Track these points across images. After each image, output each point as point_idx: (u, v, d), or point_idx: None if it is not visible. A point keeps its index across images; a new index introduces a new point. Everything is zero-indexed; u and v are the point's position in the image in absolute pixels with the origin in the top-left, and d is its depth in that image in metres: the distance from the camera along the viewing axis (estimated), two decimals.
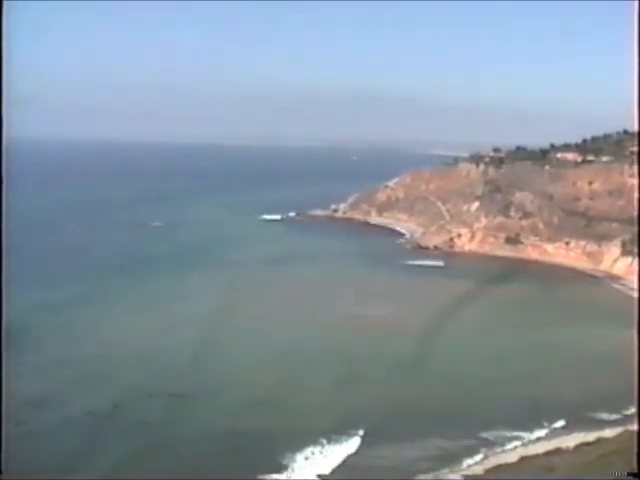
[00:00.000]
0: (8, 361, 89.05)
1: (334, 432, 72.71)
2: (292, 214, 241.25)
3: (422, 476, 65.74)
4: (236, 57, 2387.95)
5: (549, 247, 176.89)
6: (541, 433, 75.68)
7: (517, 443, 73.37)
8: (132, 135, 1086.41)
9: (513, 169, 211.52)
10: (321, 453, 69.41)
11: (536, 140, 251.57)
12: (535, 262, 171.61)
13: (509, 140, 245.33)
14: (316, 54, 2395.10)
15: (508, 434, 74.63)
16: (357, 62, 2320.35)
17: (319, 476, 66.61)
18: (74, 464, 64.40)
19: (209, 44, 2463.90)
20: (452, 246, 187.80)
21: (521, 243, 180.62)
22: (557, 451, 68.62)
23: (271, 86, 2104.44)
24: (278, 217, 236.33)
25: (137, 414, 76.16)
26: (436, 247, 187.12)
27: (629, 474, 27.53)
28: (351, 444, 71.18)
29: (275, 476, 65.39)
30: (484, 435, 73.93)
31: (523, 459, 68.19)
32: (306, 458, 68.20)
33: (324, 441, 71.03)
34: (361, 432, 72.91)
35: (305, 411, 78.21)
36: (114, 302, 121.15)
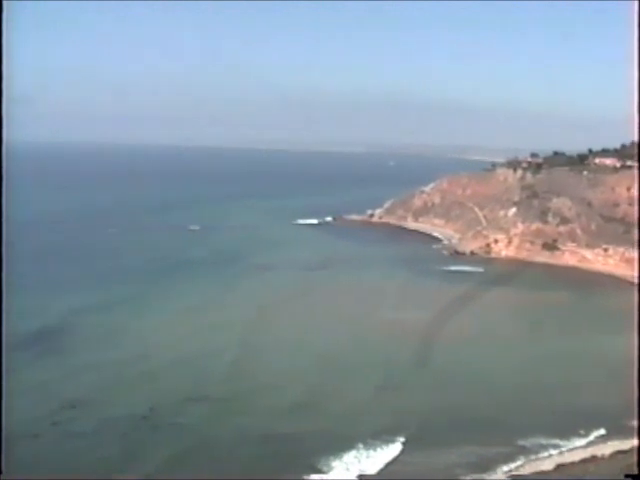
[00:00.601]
0: (50, 362, 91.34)
1: (373, 437, 72.82)
2: (328, 218, 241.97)
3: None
4: (272, 60, 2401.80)
5: (587, 253, 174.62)
6: (579, 441, 74.92)
7: (554, 451, 72.73)
8: (158, 138, 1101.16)
9: (551, 175, 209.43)
10: (358, 458, 69.50)
11: (574, 145, 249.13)
12: (573, 269, 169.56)
13: (547, 145, 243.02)
14: (354, 59, 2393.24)
15: (545, 442, 73.99)
16: (395, 67, 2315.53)
17: (360, 476, 66.93)
18: (109, 467, 65.31)
19: (246, 46, 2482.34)
20: (489, 252, 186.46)
21: (558, 249, 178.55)
22: (593, 459, 68.03)
23: (310, 91, 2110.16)
24: (315, 221, 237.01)
25: (173, 417, 76.90)
26: (472, 253, 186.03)
27: (628, 476, 27.23)
28: (390, 450, 71.13)
29: (316, 476, 65.90)
30: (521, 443, 73.39)
31: (559, 467, 67.74)
32: (346, 463, 68.41)
33: (362, 446, 71.18)
34: (400, 438, 72.94)
35: (344, 416, 78.41)
36: (154, 305, 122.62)
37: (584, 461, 66.87)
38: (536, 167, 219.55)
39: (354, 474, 67.18)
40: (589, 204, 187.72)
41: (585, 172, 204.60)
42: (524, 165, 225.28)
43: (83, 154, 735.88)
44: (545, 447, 73.27)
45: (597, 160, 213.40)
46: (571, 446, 73.88)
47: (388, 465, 68.84)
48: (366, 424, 75.98)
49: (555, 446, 73.55)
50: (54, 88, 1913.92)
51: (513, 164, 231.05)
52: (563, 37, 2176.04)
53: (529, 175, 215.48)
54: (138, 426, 74.33)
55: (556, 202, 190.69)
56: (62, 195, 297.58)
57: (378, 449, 71.03)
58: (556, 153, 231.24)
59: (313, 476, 65.98)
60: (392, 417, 78.08)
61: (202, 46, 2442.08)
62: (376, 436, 73.03)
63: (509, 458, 70.64)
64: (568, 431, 76.05)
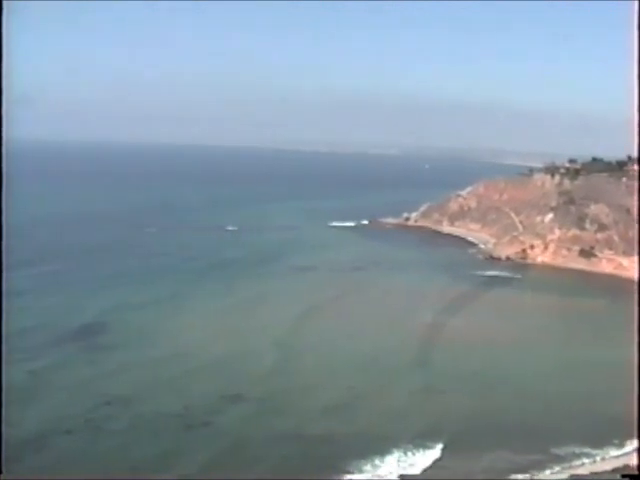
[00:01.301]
0: (89, 358, 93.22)
1: (407, 441, 73.36)
2: (364, 221, 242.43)
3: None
4: (310, 63, 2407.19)
5: (624, 261, 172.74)
6: (613, 451, 74.78)
7: (587, 460, 72.70)
8: (192, 138, 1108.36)
9: (589, 181, 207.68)
10: (396, 462, 70.07)
11: (613, 151, 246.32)
12: (609, 276, 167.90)
13: (585, 151, 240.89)
14: (393, 62, 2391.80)
15: (578, 450, 73.91)
16: (432, 70, 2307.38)
17: (401, 476, 67.77)
18: (141, 466, 66.22)
19: (287, 49, 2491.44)
20: (524, 257, 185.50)
21: (595, 256, 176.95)
22: (625, 468, 67.89)
23: (349, 93, 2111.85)
24: (350, 224, 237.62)
25: (208, 416, 77.88)
26: (508, 258, 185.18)
27: (625, 476, 27.67)
28: (427, 455, 71.46)
29: (358, 476, 66.76)
30: (555, 451, 73.33)
31: (592, 474, 67.78)
32: (383, 466, 68.96)
33: (399, 450, 71.71)
34: (436, 443, 73.27)
35: (382, 419, 78.97)
36: (193, 304, 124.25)
37: (615, 470, 66.84)
38: (574, 173, 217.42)
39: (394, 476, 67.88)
40: (627, 211, 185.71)
41: (624, 179, 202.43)
42: (562, 171, 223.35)
43: (95, 153, 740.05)
44: (578, 455, 73.10)
45: (636, 167, 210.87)
46: (605, 455, 73.79)
47: (425, 470, 69.25)
48: (403, 427, 76.46)
49: (588, 455, 73.54)
50: (54, 88, 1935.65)
51: (551, 169, 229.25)
52: (603, 39, 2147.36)
53: (567, 181, 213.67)
54: (172, 425, 75.13)
55: (594, 209, 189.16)
56: (94, 194, 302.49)
57: (416, 453, 71.36)
58: (594, 159, 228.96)
59: (354, 476, 66.71)
60: (429, 421, 78.52)
61: (230, 46, 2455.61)
62: (412, 440, 73.47)
63: (542, 465, 70.60)
64: (602, 440, 75.90)
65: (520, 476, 67.86)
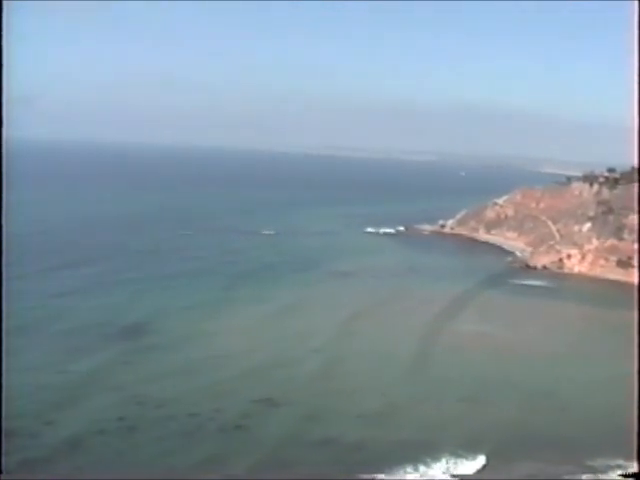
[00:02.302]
0: (132, 360, 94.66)
1: (447, 451, 73.52)
2: (400, 227, 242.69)
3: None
4: (348, 67, 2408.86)
5: None
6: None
7: (619, 471, 72.43)
8: (224, 142, 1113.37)
9: (628, 190, 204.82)
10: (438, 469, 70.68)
11: None
12: None
13: (625, 160, 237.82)
14: (429, 67, 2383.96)
15: (612, 463, 73.77)
16: (469, 76, 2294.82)
17: (453, 476, 68.26)
18: (156, 460, 67.48)
19: (319, 54, 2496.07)
20: (561, 267, 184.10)
21: (633, 267, 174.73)
22: None
23: (385, 98, 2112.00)
24: (386, 230, 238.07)
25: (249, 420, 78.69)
26: (545, 267, 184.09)
27: (628, 475, 27.76)
28: (468, 465, 71.60)
29: (410, 476, 67.69)
30: (589, 462, 73.38)
31: None
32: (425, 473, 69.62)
33: (438, 459, 72.02)
34: (472, 455, 73.27)
35: (424, 427, 79.20)
36: (231, 309, 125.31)
37: None
38: (613, 182, 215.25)
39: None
40: None
41: None
42: (600, 180, 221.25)
43: (106, 154, 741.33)
44: (612, 468, 73.12)
45: None
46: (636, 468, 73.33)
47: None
48: (443, 437, 76.72)
49: (621, 467, 73.20)
50: (54, 88, 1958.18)
51: (589, 178, 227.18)
52: None
53: (605, 190, 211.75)
54: (208, 428, 75.79)
55: (632, 218, 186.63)
56: (119, 196, 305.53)
57: (456, 463, 71.53)
58: (634, 168, 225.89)
59: (408, 476, 67.52)
60: (467, 431, 78.74)
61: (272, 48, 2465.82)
62: (453, 450, 73.66)
63: (574, 477, 70.76)
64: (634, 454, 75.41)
65: None
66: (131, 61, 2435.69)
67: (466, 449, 73.53)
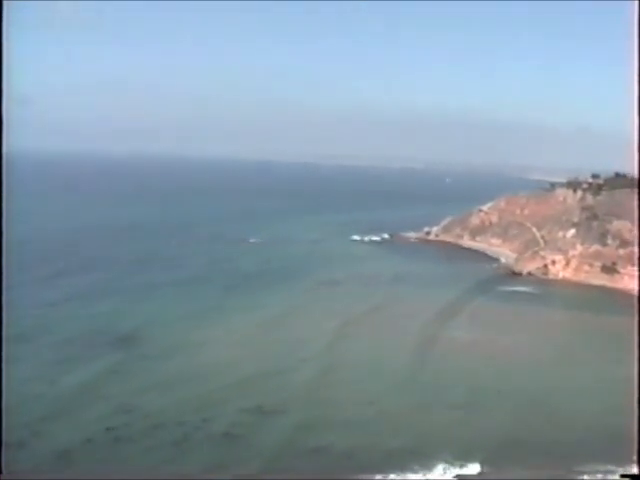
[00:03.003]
0: (124, 370, 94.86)
1: (441, 459, 74.26)
2: (385, 235, 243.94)
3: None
4: (331, 73, 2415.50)
5: None
6: (635, 468, 75.19)
7: (610, 476, 73.32)
8: (206, 151, 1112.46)
9: (612, 196, 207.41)
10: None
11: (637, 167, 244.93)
12: (632, 292, 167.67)
13: (608, 166, 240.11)
14: (413, 76, 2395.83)
15: (603, 468, 74.76)
16: (455, 85, 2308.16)
17: (457, 476, 69.12)
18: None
19: (301, 59, 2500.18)
20: (546, 273, 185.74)
21: (618, 273, 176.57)
22: None
23: (369, 105, 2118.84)
24: (371, 238, 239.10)
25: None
26: (529, 273, 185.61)
27: (626, 476, 28.59)
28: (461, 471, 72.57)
29: (413, 476, 68.45)
30: (578, 468, 74.31)
31: None
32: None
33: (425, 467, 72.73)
34: (466, 462, 73.92)
35: (418, 435, 79.80)
36: (224, 319, 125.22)
37: None
38: (597, 188, 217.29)
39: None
40: None
41: None
42: (584, 186, 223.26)
43: (99, 164, 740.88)
44: (603, 473, 74.12)
45: None
46: (627, 472, 74.11)
47: None
48: (434, 445, 77.28)
49: (611, 471, 74.14)
50: (54, 88, 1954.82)
51: (573, 185, 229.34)
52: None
53: (589, 196, 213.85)
54: (193, 436, 76.24)
55: (616, 224, 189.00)
56: (107, 207, 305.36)
57: (452, 470, 72.31)
58: (618, 174, 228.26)
59: (410, 475, 68.27)
60: (459, 438, 79.30)
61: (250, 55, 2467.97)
62: (446, 458, 74.25)
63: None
64: (625, 458, 76.27)
65: None
66: (128, 69, 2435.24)
67: (459, 457, 74.17)
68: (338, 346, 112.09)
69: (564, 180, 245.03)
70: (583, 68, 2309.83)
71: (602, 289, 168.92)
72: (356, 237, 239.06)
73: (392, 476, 68.46)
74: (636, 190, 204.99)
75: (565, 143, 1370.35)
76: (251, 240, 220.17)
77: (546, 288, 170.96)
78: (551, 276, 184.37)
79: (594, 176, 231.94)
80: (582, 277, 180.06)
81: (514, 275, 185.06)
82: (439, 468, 71.77)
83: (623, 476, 28.81)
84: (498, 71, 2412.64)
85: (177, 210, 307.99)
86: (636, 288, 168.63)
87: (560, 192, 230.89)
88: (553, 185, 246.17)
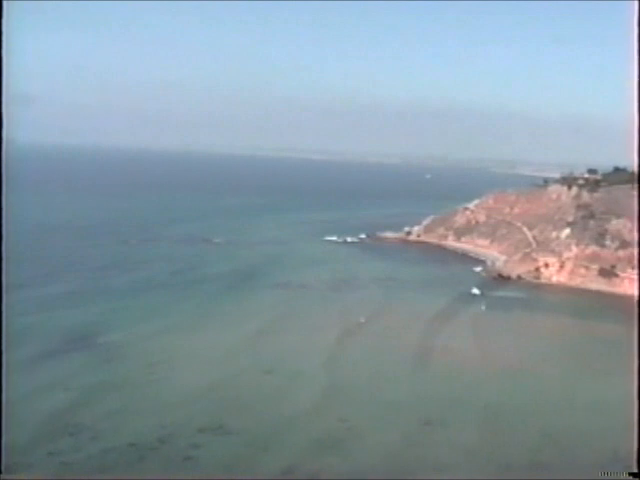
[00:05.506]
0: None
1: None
2: (362, 235, 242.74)
3: None
4: (308, 67, 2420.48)
5: None
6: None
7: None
8: (180, 144, 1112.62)
9: (610, 193, 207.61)
10: None
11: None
12: (632, 298, 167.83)
13: (607, 160, 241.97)
14: (392, 68, 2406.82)
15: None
16: (435, 77, 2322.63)
17: None
18: None
19: (279, 52, 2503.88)
20: (538, 277, 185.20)
21: (617, 276, 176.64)
22: None
23: (346, 99, 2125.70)
24: (347, 239, 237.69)
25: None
26: (520, 277, 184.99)
27: (632, 474, 28.02)
28: None
29: None
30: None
31: None
32: None
33: None
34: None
35: (392, 450, 79.34)
36: (174, 320, 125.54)
37: None
38: (594, 184, 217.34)
39: None
40: None
41: None
42: (580, 182, 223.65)
43: (89, 158, 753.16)
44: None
45: None
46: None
47: None
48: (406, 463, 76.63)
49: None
50: (55, 89, 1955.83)
51: (568, 180, 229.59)
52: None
53: (585, 193, 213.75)
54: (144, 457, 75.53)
55: (615, 224, 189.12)
56: (78, 204, 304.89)
57: None
58: (617, 169, 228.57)
59: None
60: (437, 454, 78.87)
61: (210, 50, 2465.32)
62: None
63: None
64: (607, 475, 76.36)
65: None
66: (129, 65, 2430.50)
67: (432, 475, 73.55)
68: (299, 358, 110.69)
69: (558, 176, 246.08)
70: (577, 51, 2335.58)
71: (600, 295, 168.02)
72: (329, 237, 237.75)
73: None
74: (637, 186, 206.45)
75: (558, 136, 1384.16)
76: (215, 240, 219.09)
77: (538, 294, 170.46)
78: (543, 280, 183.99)
79: (591, 171, 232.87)
80: (578, 281, 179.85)
81: (502, 279, 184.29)
82: None
83: (631, 474, 28.17)
84: (479, 57, 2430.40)
85: (144, 207, 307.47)
86: (636, 293, 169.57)
87: (553, 189, 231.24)
88: (546, 181, 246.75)
